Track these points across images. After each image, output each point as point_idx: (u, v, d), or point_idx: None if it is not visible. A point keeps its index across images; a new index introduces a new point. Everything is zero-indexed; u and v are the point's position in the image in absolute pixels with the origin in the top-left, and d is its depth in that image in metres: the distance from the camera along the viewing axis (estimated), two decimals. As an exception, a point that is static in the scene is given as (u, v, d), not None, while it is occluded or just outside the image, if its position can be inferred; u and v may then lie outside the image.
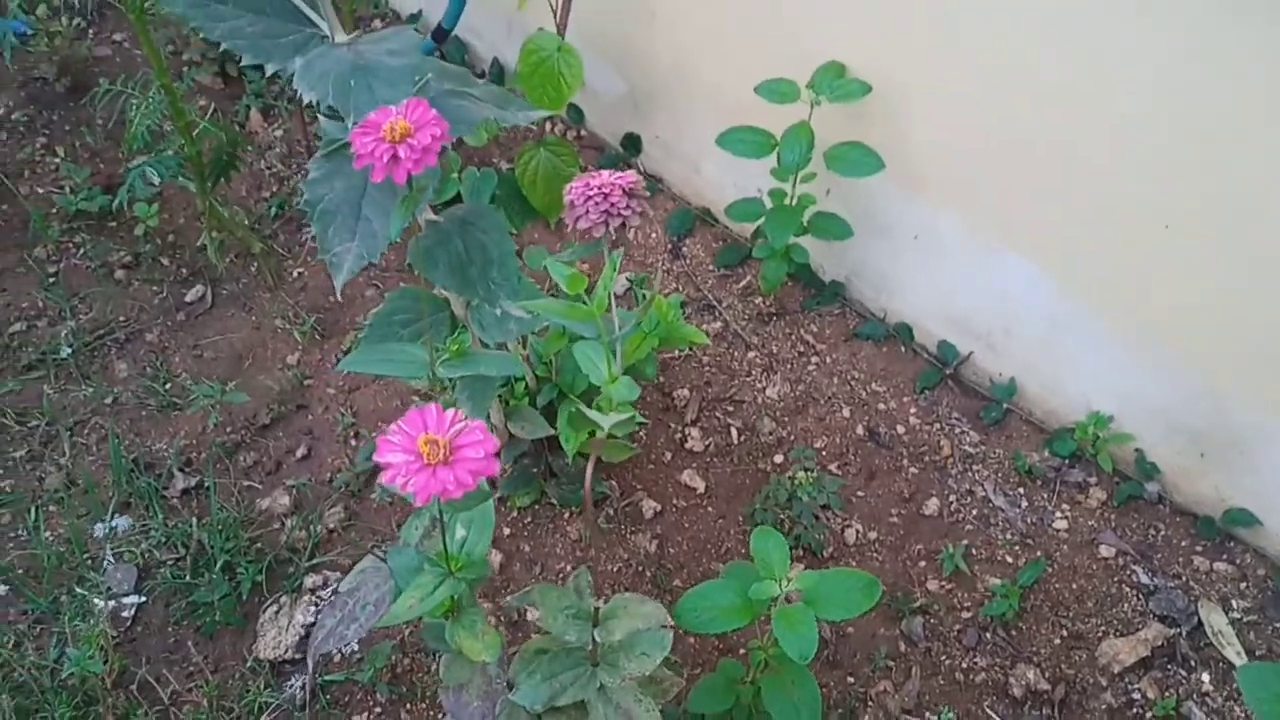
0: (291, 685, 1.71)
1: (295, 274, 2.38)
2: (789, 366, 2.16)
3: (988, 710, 1.72)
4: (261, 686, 1.73)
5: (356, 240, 1.33)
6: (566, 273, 1.03)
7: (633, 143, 2.51)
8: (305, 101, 1.25)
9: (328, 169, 1.36)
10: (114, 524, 1.94)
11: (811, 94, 1.92)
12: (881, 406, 2.09)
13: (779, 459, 2.02)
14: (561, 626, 1.10)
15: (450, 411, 0.90)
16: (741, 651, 1.75)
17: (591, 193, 1.06)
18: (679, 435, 2.05)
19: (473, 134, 1.86)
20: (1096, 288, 1.83)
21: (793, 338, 2.21)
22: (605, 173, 1.11)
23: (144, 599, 1.87)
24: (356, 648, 1.79)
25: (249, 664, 1.77)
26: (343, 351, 2.21)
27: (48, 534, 1.97)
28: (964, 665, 1.77)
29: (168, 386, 2.19)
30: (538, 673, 1.15)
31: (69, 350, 2.25)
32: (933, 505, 1.95)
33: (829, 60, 1.91)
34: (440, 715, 1.72)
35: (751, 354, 2.18)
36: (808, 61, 1.92)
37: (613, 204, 1.07)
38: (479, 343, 1.71)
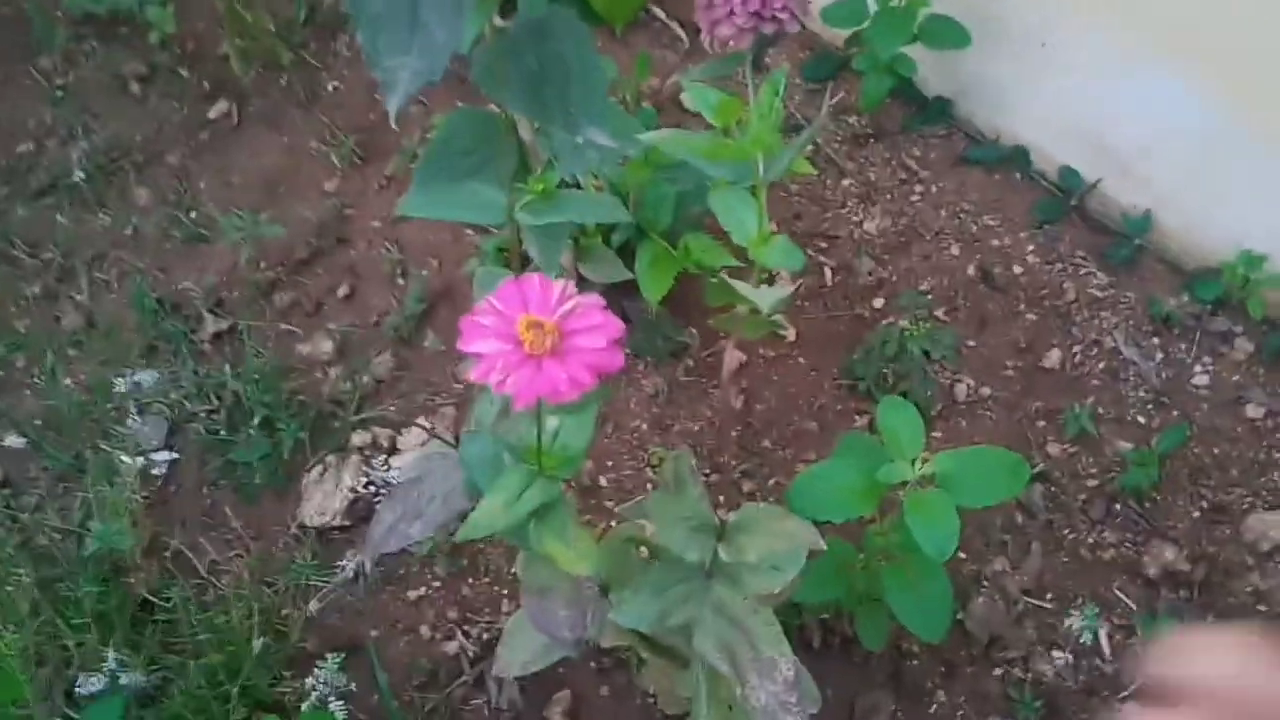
0: (343, 566, 1.53)
1: (330, 88, 2.13)
2: (889, 197, 1.90)
3: (1118, 592, 1.53)
4: (308, 557, 1.56)
5: (414, 53, 1.08)
6: (715, 99, 0.78)
7: (707, -65, 2.19)
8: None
9: (372, -40, 1.10)
10: (139, 374, 1.74)
11: None
12: (995, 243, 1.84)
13: (879, 303, 1.78)
14: (681, 542, 0.90)
15: (559, 283, 0.68)
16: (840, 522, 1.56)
17: (739, -13, 0.80)
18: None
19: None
20: (1267, 104, 1.55)
21: (893, 163, 1.94)
22: (749, -43, 0.85)
23: (176, 455, 1.69)
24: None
25: (293, 531, 1.60)
26: (385, 177, 1.97)
27: (68, 381, 1.79)
28: (1090, 541, 1.57)
29: (193, 216, 1.97)
30: (645, 588, 0.96)
31: (82, 174, 2.03)
32: (1054, 357, 1.72)
33: None
34: (501, 590, 1.56)
35: (846, 181, 1.92)
36: None
37: (765, 3, 0.82)
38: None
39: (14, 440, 1.71)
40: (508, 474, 0.96)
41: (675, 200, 1.57)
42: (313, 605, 1.50)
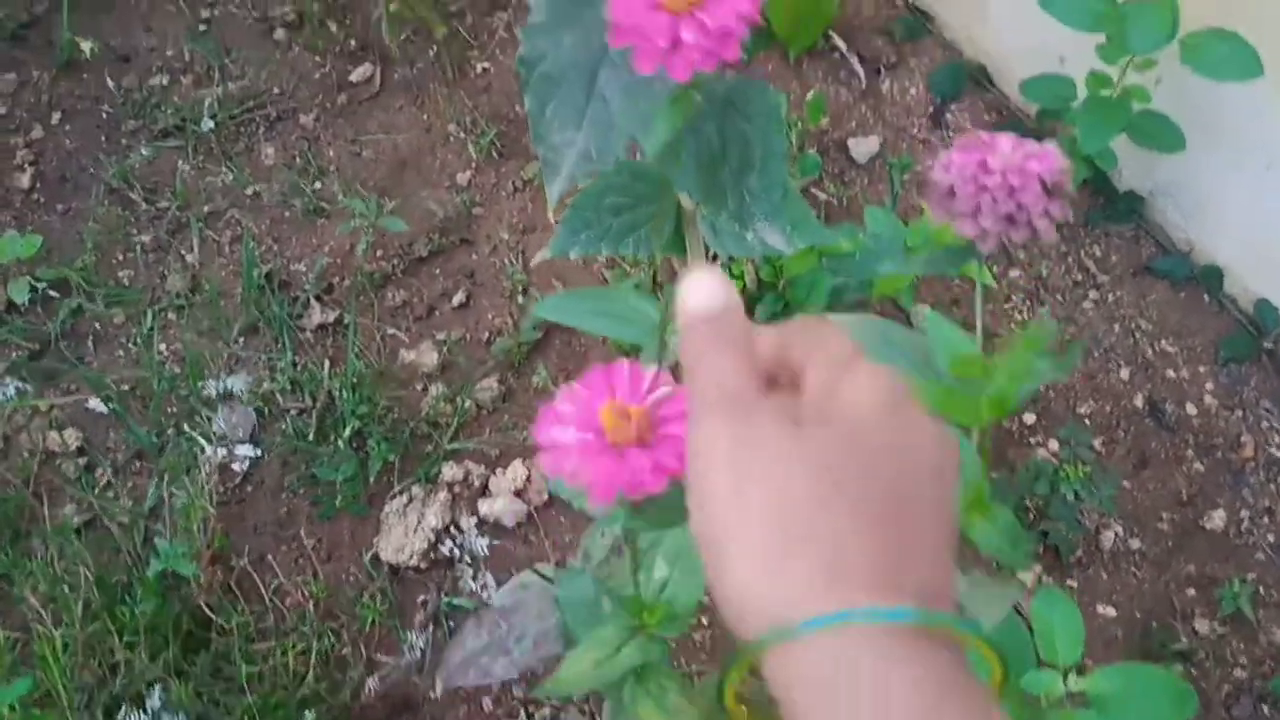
0: (409, 647, 1.40)
1: (479, 69, 2.00)
2: (1059, 298, 1.73)
3: (1248, 808, 1.37)
4: (378, 598, 1.46)
5: (584, 129, 0.94)
6: (957, 342, 0.63)
7: (906, -35, 2.01)
8: None
9: (557, 11, 0.96)
10: (235, 359, 1.65)
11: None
12: (1171, 373, 1.66)
13: (1029, 419, 1.62)
14: None
15: (651, 371, 0.57)
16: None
17: (990, 182, 0.66)
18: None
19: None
20: None
21: (1069, 260, 1.77)
22: (1006, 141, 0.70)
23: (259, 453, 1.60)
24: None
25: (367, 562, 1.50)
26: (523, 180, 1.84)
27: (162, 347, 1.71)
28: (1228, 742, 1.41)
29: (317, 186, 1.87)
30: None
31: (212, 122, 1.93)
32: (1218, 518, 1.54)
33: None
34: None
35: (1015, 273, 1.75)
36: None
37: (1021, 205, 0.68)
38: (702, 246, 1.33)
39: (98, 404, 1.63)
40: (606, 624, 0.85)
41: (831, 288, 1.42)
42: (371, 683, 1.38)
